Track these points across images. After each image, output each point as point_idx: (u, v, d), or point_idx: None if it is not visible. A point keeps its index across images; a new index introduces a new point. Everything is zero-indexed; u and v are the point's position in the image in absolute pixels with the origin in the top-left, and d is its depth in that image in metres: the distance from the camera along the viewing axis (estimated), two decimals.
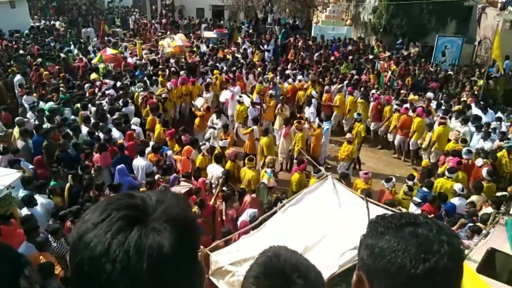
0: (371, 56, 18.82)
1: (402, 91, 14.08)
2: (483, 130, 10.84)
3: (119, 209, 0.87)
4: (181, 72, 15.07)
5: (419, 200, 8.22)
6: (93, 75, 15.26)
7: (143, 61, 17.31)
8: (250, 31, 25.12)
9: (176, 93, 13.88)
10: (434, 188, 8.79)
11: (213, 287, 5.30)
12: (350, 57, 18.19)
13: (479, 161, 9.48)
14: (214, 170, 9.02)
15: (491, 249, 5.19)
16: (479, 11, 19.12)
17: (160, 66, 16.35)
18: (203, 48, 20.15)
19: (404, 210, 7.99)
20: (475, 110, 12.52)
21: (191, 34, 23.14)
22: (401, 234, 1.04)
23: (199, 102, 13.37)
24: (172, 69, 15.69)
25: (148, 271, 0.80)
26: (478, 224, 6.63)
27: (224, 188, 8.25)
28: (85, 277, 0.83)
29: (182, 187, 8.06)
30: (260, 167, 10.25)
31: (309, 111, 12.40)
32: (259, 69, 16.24)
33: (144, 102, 12.69)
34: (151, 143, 10.11)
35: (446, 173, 9.00)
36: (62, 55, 17.73)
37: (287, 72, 15.86)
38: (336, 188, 6.14)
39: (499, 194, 8.07)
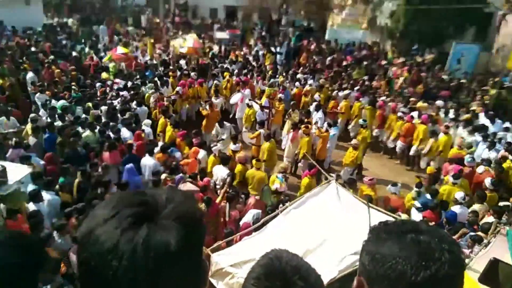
0: (384, 62, 18.67)
1: (412, 99, 13.98)
2: (488, 140, 10.77)
3: (130, 206, 0.89)
4: (192, 74, 15.13)
5: (419, 205, 8.27)
6: (104, 75, 15.41)
7: (154, 61, 17.39)
8: (263, 33, 25.05)
9: (185, 96, 13.93)
10: (440, 195, 8.78)
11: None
12: (365, 63, 18.02)
13: (480, 168, 9.45)
14: (220, 172, 9.09)
15: (494, 259, 5.16)
16: (499, 18, 18.73)
17: (171, 67, 16.42)
18: (215, 49, 20.19)
19: (405, 216, 8.00)
20: (483, 120, 12.42)
21: (202, 35, 23.11)
22: (403, 241, 1.04)
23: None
24: (184, 71, 15.76)
25: (153, 269, 0.82)
26: (479, 233, 6.59)
27: (228, 189, 8.33)
28: (92, 271, 0.84)
29: (187, 188, 8.12)
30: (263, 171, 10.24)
31: (317, 116, 12.41)
32: (269, 72, 16.24)
33: (156, 104, 12.81)
34: (160, 143, 10.22)
35: (451, 179, 8.98)
36: (74, 53, 17.90)
37: (298, 76, 15.86)
38: (339, 193, 6.15)
39: (501, 204, 8.01)
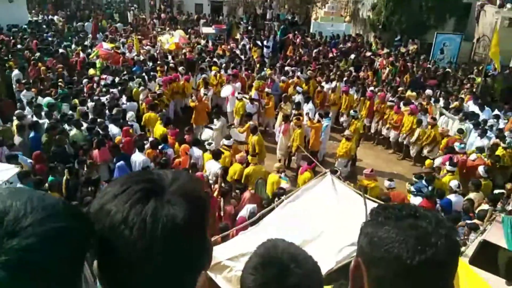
0: (368, 53, 18.82)
1: (399, 89, 14.13)
2: (480, 127, 10.90)
3: (138, 182, 0.93)
4: (180, 68, 15.02)
5: (413, 190, 8.43)
6: (91, 71, 15.24)
7: (141, 57, 17.27)
8: (249, 27, 25.07)
9: (168, 90, 13.73)
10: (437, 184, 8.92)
11: (210, 282, 5.30)
12: (352, 55, 18.13)
13: (472, 156, 9.55)
14: (212, 166, 9.03)
15: (484, 241, 5.22)
16: (478, 8, 19.12)
17: (158, 62, 16.32)
18: (203, 43, 20.14)
19: None
20: (473, 108, 12.58)
21: (189, 30, 23.10)
22: (401, 225, 1.05)
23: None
24: (171, 65, 15.68)
25: (162, 239, 0.87)
26: (475, 221, 6.66)
27: (222, 184, 8.27)
28: (105, 242, 0.89)
29: None
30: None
31: (307, 107, 12.41)
32: (257, 65, 16.23)
33: (145, 99, 12.64)
34: (150, 139, 10.11)
35: (448, 168, 9.09)
36: (61, 50, 17.67)
37: (286, 68, 15.85)
38: (335, 184, 6.15)
39: (496, 191, 8.12)
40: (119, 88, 12.85)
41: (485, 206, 7.33)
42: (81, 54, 17.15)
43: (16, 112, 10.63)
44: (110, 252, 0.89)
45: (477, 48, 19.12)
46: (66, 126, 10.15)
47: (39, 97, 11.96)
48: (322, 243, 5.16)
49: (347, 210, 5.53)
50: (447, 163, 9.27)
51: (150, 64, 16.17)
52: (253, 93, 13.24)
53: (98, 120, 10.50)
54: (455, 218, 7.23)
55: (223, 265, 5.19)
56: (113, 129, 10.40)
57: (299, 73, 15.37)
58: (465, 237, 6.37)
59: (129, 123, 10.93)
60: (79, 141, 9.68)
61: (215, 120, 11.89)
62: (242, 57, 17.89)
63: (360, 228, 1.14)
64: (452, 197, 8.15)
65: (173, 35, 18.72)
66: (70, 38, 20.56)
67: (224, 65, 15.88)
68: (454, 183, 8.30)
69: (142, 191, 0.91)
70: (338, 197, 5.94)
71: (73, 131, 9.95)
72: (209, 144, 9.91)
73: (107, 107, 11.50)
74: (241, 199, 8.02)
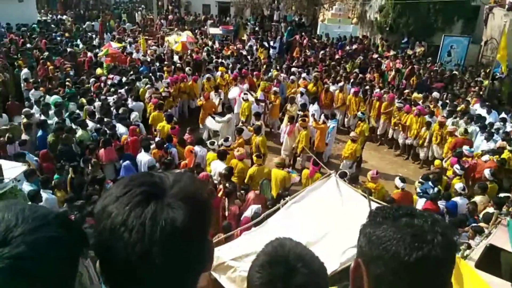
0: (375, 55, 18.78)
1: (406, 91, 14.10)
2: (486, 130, 10.83)
3: (140, 185, 0.95)
4: (187, 69, 15.07)
5: (419, 191, 8.44)
6: (98, 70, 15.31)
7: (147, 57, 17.35)
8: (256, 28, 25.11)
9: (174, 90, 13.74)
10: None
11: (215, 282, 5.32)
12: (361, 57, 18.09)
13: (485, 157, 9.44)
14: (217, 167, 9.05)
15: (490, 245, 5.22)
16: (486, 11, 19.01)
17: (165, 62, 16.37)
18: (210, 44, 20.24)
19: None
20: (479, 110, 12.51)
21: (196, 31, 23.19)
22: (398, 224, 1.08)
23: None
24: (178, 65, 15.74)
25: (161, 242, 0.88)
26: (481, 224, 6.63)
27: (226, 184, 8.27)
28: (106, 243, 0.91)
29: None
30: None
31: (313, 109, 12.42)
32: (264, 66, 16.27)
33: (150, 99, 12.70)
34: (157, 139, 10.16)
35: (457, 171, 9.06)
36: (69, 49, 17.80)
37: (292, 69, 15.86)
38: (339, 186, 6.16)
39: (501, 195, 8.07)
40: (126, 88, 12.90)
41: (490, 209, 7.29)
42: (89, 54, 17.24)
43: (24, 110, 10.72)
44: (110, 253, 0.90)
45: (485, 50, 19.02)
46: (73, 125, 10.22)
47: (47, 96, 12.05)
48: (326, 244, 5.17)
49: (352, 211, 5.52)
50: (456, 166, 9.21)
51: (157, 64, 16.23)
52: (259, 94, 13.25)
53: (105, 119, 10.55)
54: (461, 220, 7.22)
55: (227, 265, 5.22)
56: (120, 128, 10.45)
57: (304, 74, 15.37)
58: (470, 240, 6.34)
59: (133, 123, 10.97)
60: (85, 141, 9.73)
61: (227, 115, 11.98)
62: (249, 57, 17.93)
63: (360, 229, 1.17)
64: (457, 199, 8.12)
65: (181, 36, 18.79)
66: (78, 37, 20.67)
67: (230, 65, 15.94)
68: (459, 186, 8.27)
69: (143, 194, 0.92)
70: (343, 199, 5.94)
71: (80, 132, 9.98)
72: (212, 143, 9.93)
73: (113, 107, 11.55)
74: (245, 199, 8.03)
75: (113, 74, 14.56)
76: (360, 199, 5.77)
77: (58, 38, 20.17)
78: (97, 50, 18.07)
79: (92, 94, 12.54)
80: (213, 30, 23.75)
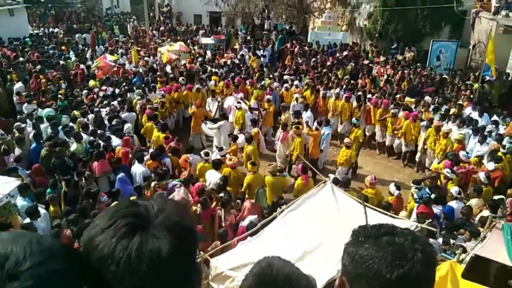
0: (366, 61, 18.94)
1: (397, 96, 14.21)
2: (479, 133, 10.88)
3: (125, 216, 0.96)
4: (180, 79, 15.08)
5: (416, 197, 8.45)
6: (91, 82, 15.28)
7: (139, 68, 17.35)
8: (248, 37, 25.27)
9: (168, 101, 13.75)
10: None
11: None
12: (352, 63, 18.21)
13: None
14: (213, 176, 9.04)
15: (475, 255, 5.24)
16: (473, 15, 19.24)
17: (158, 73, 16.40)
18: (203, 54, 20.30)
19: (404, 214, 8.08)
20: (471, 114, 12.60)
21: (188, 41, 23.27)
22: (379, 243, 1.12)
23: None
24: (170, 75, 15.76)
25: (147, 272, 0.90)
26: (480, 228, 6.65)
27: (221, 194, 8.26)
28: (94, 273, 0.93)
29: (180, 196, 7.96)
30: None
31: (306, 115, 12.47)
32: (257, 74, 16.34)
33: (142, 110, 12.70)
34: (151, 150, 10.14)
35: (447, 174, 9.10)
36: (61, 62, 17.77)
37: (284, 77, 15.94)
38: (335, 193, 6.18)
39: (495, 197, 8.12)
40: (119, 99, 12.88)
41: (485, 213, 7.33)
42: (81, 66, 17.20)
43: (15, 124, 10.65)
44: (100, 283, 0.93)
45: (474, 54, 19.25)
46: (65, 138, 10.17)
47: (39, 109, 12.00)
48: (323, 252, 5.17)
49: (348, 218, 5.53)
50: (447, 170, 9.26)
51: (150, 74, 16.24)
52: (252, 102, 13.30)
53: (99, 131, 10.52)
54: (459, 224, 7.24)
55: (225, 275, 5.21)
56: (114, 140, 10.41)
57: (296, 82, 15.46)
58: (466, 242, 6.37)
59: (127, 134, 10.95)
60: (79, 154, 9.67)
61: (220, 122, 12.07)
62: (241, 66, 18.00)
63: (343, 248, 1.20)
64: (453, 203, 8.13)
65: (173, 46, 18.83)
66: (70, 50, 20.65)
67: (224, 75, 16.00)
68: (455, 190, 8.28)
69: (128, 225, 0.94)
70: (339, 206, 5.96)
71: (74, 146, 9.94)
72: (206, 154, 9.93)
73: (106, 119, 11.53)
74: (241, 209, 8.03)
75: (106, 86, 14.54)
76: (355, 206, 5.79)
77: (51, 51, 20.11)
78: (90, 62, 18.04)
79: (85, 106, 12.50)
80: (205, 40, 23.86)
